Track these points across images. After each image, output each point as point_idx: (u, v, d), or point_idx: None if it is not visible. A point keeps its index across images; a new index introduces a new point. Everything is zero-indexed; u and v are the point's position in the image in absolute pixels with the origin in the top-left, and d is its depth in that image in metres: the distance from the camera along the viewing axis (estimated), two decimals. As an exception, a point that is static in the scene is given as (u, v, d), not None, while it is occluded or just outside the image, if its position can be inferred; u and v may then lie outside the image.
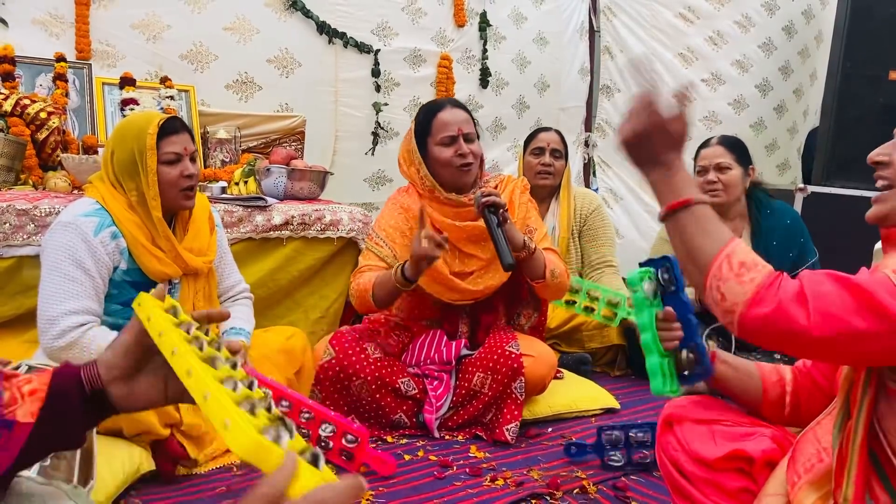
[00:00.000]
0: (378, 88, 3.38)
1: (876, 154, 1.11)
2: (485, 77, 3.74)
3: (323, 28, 3.14)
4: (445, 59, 3.57)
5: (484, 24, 3.69)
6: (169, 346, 0.74)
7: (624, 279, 2.69)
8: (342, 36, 3.21)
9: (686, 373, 1.26)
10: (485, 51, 3.73)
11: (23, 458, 0.81)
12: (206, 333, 0.85)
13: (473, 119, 2.19)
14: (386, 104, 3.40)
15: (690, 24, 4.46)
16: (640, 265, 1.31)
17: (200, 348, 0.76)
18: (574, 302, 2.54)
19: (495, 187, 2.24)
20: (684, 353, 1.25)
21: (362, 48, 3.29)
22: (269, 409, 0.69)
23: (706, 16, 4.46)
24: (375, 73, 3.35)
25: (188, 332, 0.80)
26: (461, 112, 2.15)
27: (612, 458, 1.84)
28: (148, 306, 0.83)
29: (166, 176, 1.82)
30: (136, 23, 2.88)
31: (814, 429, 1.13)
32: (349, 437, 1.77)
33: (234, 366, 0.77)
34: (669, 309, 1.26)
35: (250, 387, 0.73)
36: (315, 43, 3.18)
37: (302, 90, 3.20)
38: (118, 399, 0.84)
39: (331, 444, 1.78)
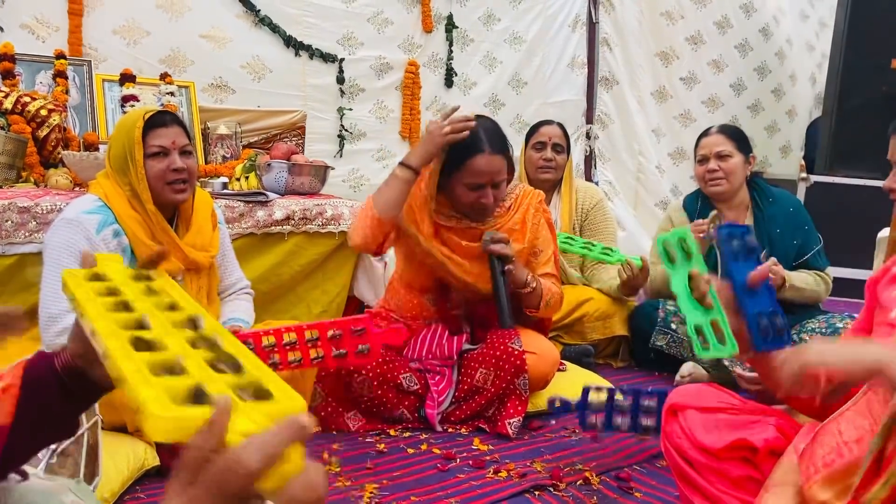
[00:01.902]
0: (343, 94, 3.52)
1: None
2: (449, 77, 3.85)
3: (289, 42, 3.30)
4: (412, 65, 3.68)
5: (450, 26, 3.80)
6: (88, 327, 0.68)
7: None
8: (308, 48, 3.36)
9: (762, 338, 1.19)
10: (450, 52, 3.83)
11: (10, 459, 0.78)
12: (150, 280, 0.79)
13: (510, 161, 2.05)
14: (350, 109, 3.52)
15: (681, 20, 4.51)
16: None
17: (128, 309, 0.70)
18: (571, 244, 2.61)
19: (509, 208, 2.16)
20: (763, 321, 1.19)
21: (327, 58, 3.43)
22: (213, 347, 0.64)
23: (692, 14, 4.52)
24: (340, 80, 3.49)
25: (114, 295, 0.74)
26: (499, 160, 1.98)
27: (592, 420, 1.83)
28: (71, 285, 0.77)
29: (152, 169, 1.81)
30: (117, 28, 3.01)
31: (836, 420, 1.11)
32: (355, 330, 1.72)
33: (172, 307, 0.72)
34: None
35: (194, 325, 0.68)
36: (283, 51, 3.33)
37: (273, 94, 3.34)
38: (104, 380, 0.78)
39: (344, 350, 1.73)
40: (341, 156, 3.52)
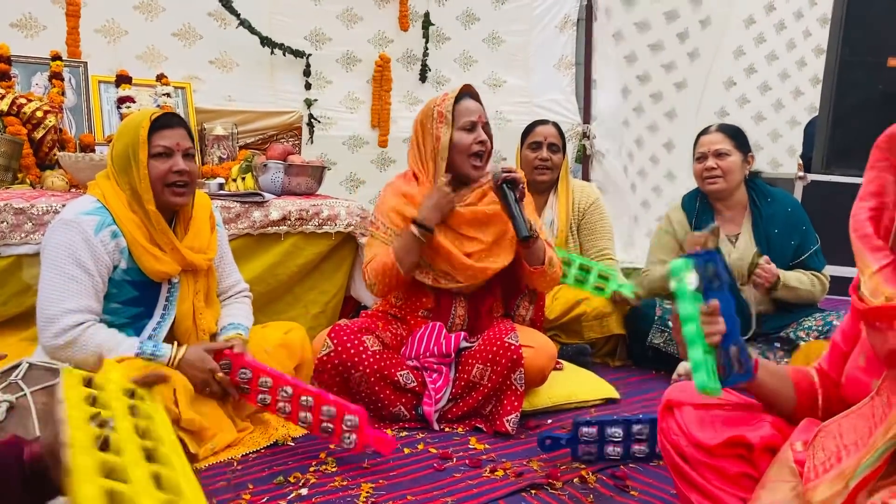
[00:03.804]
0: (308, 87, 3.65)
1: None
2: (424, 74, 3.96)
3: (265, 42, 3.44)
4: (383, 59, 3.79)
5: (427, 23, 3.90)
6: (61, 420, 0.71)
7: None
8: (280, 46, 3.49)
9: (728, 373, 1.18)
10: (426, 49, 3.93)
11: None
12: (131, 397, 0.82)
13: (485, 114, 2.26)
14: (316, 100, 3.65)
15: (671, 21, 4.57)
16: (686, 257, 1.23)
17: (105, 446, 0.72)
18: (564, 275, 2.60)
19: None
20: (732, 349, 1.18)
21: (297, 54, 3.56)
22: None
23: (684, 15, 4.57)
24: (307, 73, 3.62)
25: (101, 425, 0.75)
26: (479, 105, 2.23)
27: (586, 453, 1.83)
28: (66, 384, 0.80)
29: (154, 170, 1.82)
30: (99, 28, 3.15)
31: (839, 422, 1.11)
32: (349, 419, 1.78)
33: (148, 457, 0.74)
34: (715, 302, 1.18)
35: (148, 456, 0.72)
36: (252, 46, 3.47)
37: (241, 86, 3.48)
38: (62, 483, 0.76)
39: (331, 427, 1.79)
40: (312, 142, 3.69)
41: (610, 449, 1.83)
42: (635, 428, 1.83)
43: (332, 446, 1.87)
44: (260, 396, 1.86)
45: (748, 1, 4.85)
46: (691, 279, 1.19)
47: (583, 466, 1.80)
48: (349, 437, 1.79)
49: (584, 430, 1.82)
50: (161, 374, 0.86)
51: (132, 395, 0.84)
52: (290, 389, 1.82)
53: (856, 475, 0.99)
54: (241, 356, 1.88)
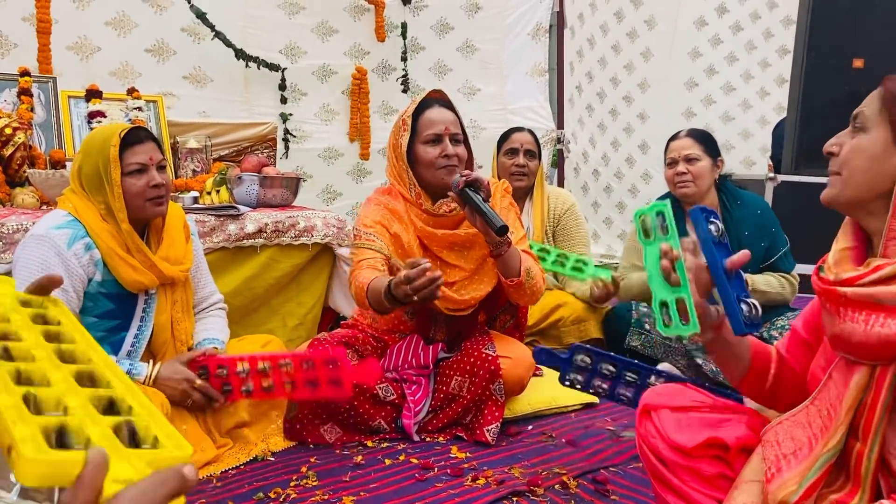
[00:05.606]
0: (284, 101, 3.66)
1: (829, 145, 1.13)
2: (404, 84, 3.97)
3: (239, 54, 3.43)
4: (360, 71, 3.80)
5: (405, 33, 3.94)
6: None
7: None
8: (255, 59, 3.49)
9: (745, 322, 1.17)
10: (404, 59, 3.95)
11: None
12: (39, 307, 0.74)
13: (461, 121, 2.15)
14: (291, 114, 3.67)
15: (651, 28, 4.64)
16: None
17: (11, 339, 0.65)
18: (544, 259, 2.63)
19: None
20: (744, 304, 1.17)
21: (272, 68, 3.57)
22: (102, 385, 0.61)
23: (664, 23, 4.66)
24: (282, 87, 3.63)
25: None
26: (449, 112, 2.12)
27: (574, 378, 1.85)
28: None
29: (131, 187, 1.80)
30: (71, 44, 3.14)
31: (775, 429, 1.15)
32: (329, 363, 1.73)
33: (60, 338, 0.68)
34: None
35: (87, 360, 0.65)
36: (226, 61, 3.47)
37: (216, 102, 3.48)
38: None
39: (318, 381, 1.74)
40: (287, 157, 3.68)
41: (598, 382, 1.85)
42: (629, 373, 1.84)
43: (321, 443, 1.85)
44: (243, 388, 1.83)
45: (696, 2, 4.90)
46: (649, 222, 1.23)
47: (564, 472, 1.81)
48: (335, 382, 1.73)
49: (580, 356, 1.84)
50: (54, 275, 0.81)
51: (29, 304, 0.76)
52: (267, 364, 1.79)
53: (800, 487, 1.03)
54: (212, 357, 1.87)
